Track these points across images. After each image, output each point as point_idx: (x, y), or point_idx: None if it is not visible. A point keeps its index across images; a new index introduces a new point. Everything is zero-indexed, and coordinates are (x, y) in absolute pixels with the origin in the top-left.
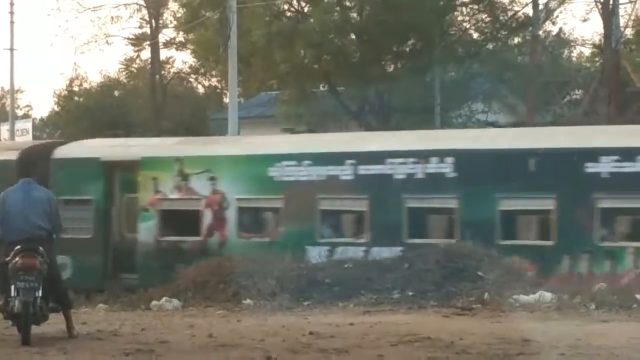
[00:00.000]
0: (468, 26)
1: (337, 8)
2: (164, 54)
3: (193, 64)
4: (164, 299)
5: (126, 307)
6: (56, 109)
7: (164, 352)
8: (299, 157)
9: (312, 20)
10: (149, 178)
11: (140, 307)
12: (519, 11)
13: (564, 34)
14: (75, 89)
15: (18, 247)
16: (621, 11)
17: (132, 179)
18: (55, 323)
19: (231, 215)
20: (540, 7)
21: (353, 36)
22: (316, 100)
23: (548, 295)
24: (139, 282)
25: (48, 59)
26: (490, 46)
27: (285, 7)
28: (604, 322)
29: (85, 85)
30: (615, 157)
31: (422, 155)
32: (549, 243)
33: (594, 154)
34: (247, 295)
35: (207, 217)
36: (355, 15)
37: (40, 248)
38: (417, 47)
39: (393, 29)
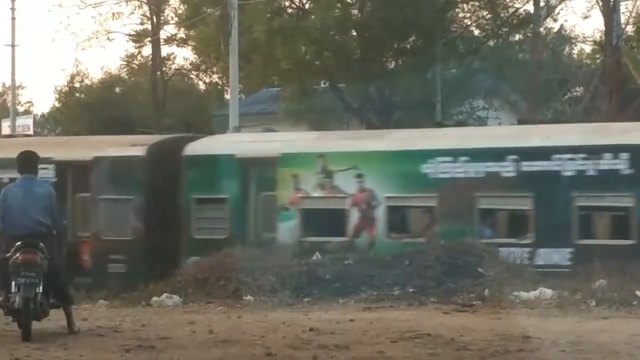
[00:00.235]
0: (469, 23)
1: (338, 4)
2: (165, 50)
3: (194, 61)
4: (164, 295)
5: (127, 304)
6: (57, 105)
7: (165, 348)
8: (455, 153)
9: (313, 16)
10: (288, 175)
11: (141, 303)
12: (520, 8)
13: (565, 31)
14: (77, 85)
15: (19, 243)
16: (622, 8)
17: (270, 177)
18: (55, 319)
19: (380, 214)
20: (542, 4)
21: (354, 33)
22: (317, 97)
23: (548, 292)
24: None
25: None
26: (491, 43)
27: (287, 3)
28: (604, 319)
29: (87, 81)
30: None
31: (594, 151)
32: None
33: None
34: (248, 291)
35: (354, 217)
36: (356, 11)
37: (41, 244)
38: (418, 43)
39: (394, 25)
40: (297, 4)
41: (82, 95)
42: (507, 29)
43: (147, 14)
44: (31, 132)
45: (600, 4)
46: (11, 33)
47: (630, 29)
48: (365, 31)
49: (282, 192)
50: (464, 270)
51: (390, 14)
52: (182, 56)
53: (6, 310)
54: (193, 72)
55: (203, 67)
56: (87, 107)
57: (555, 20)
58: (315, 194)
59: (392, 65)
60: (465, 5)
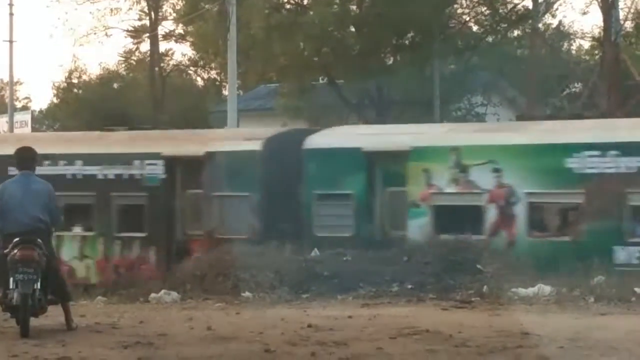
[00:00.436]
0: (467, 19)
1: (337, 0)
2: (163, 46)
3: (192, 57)
4: (162, 291)
5: (125, 300)
6: (55, 101)
7: (163, 344)
8: (604, 147)
9: (311, 12)
10: (419, 170)
11: (139, 299)
12: (518, 4)
13: (564, 26)
14: (75, 81)
15: (17, 239)
16: (621, 4)
17: (398, 171)
18: (54, 315)
19: (520, 211)
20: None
21: (352, 29)
22: (315, 93)
23: (547, 289)
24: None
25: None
26: (489, 39)
27: None
28: (602, 315)
29: (85, 77)
30: None
31: None
32: None
33: None
34: (246, 287)
35: (491, 214)
36: (354, 7)
37: (39, 240)
38: (417, 39)
39: (392, 21)
40: (295, 0)
41: (80, 91)
42: (505, 25)
43: (145, 9)
44: (29, 128)
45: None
46: (9, 29)
47: (629, 25)
48: (364, 27)
49: (412, 187)
50: (463, 267)
51: (389, 10)
52: (180, 52)
53: (4, 307)
54: (191, 68)
55: (201, 63)
56: (85, 103)
57: (553, 16)
58: (448, 190)
59: (390, 61)
60: (463, 1)
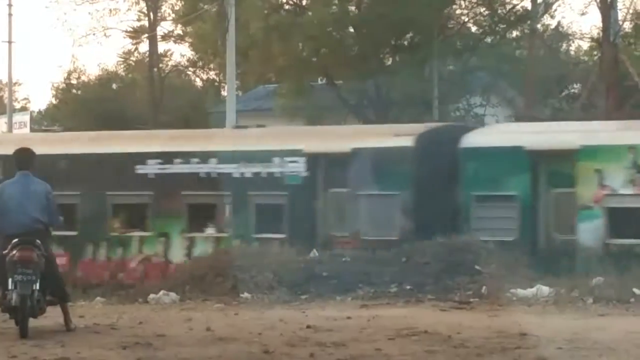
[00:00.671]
0: (466, 20)
1: (336, 1)
2: (162, 46)
3: (191, 57)
4: (161, 292)
5: (124, 301)
6: (54, 101)
7: (162, 345)
8: None
9: (310, 13)
10: (590, 170)
11: (138, 300)
12: (517, 5)
13: (562, 27)
14: (74, 81)
15: (16, 240)
16: (619, 4)
17: (565, 171)
18: (52, 316)
19: None
20: (539, 0)
21: (351, 29)
22: (314, 94)
23: (546, 289)
24: None
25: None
26: (488, 40)
27: (284, 0)
28: (601, 316)
29: (84, 78)
30: None
31: None
32: None
33: None
34: (245, 288)
35: None
36: (353, 8)
37: (38, 241)
38: (416, 40)
39: (391, 22)
40: (294, 0)
41: (79, 92)
42: (504, 26)
43: (144, 10)
44: (28, 129)
45: (598, 0)
46: (8, 29)
47: (627, 26)
48: (363, 28)
49: (582, 188)
50: (461, 268)
51: (388, 10)
52: (179, 53)
53: (3, 308)
54: (190, 68)
55: (200, 63)
56: (84, 104)
57: (552, 16)
58: (624, 191)
59: (389, 61)
60: (462, 2)
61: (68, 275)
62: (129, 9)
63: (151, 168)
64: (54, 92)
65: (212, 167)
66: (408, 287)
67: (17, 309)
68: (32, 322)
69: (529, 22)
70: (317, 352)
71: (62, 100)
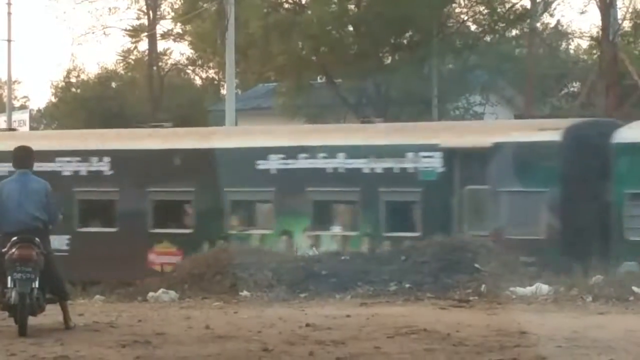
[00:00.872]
0: (466, 18)
1: (335, 0)
2: (161, 45)
3: (190, 56)
4: (160, 290)
5: (123, 299)
6: (53, 100)
7: (161, 343)
8: None
9: (309, 11)
10: None
11: (137, 298)
12: (516, 3)
13: (562, 26)
14: (73, 80)
15: (15, 238)
16: (619, 3)
17: None
18: (52, 314)
19: None
20: None
21: (351, 28)
22: (314, 92)
23: (545, 288)
24: None
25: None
26: (487, 38)
27: None
28: (600, 315)
29: (83, 76)
30: None
31: None
32: None
33: None
34: (244, 287)
35: None
36: (353, 7)
37: (37, 239)
38: (415, 39)
39: (391, 21)
40: None
41: (79, 91)
42: (503, 24)
43: (144, 8)
44: (27, 127)
45: None
46: (8, 28)
47: (627, 25)
48: (362, 26)
49: None
50: (461, 266)
51: (387, 9)
52: (179, 51)
53: (2, 306)
54: (189, 67)
55: (199, 62)
56: (84, 102)
57: (551, 15)
58: None
59: (388, 60)
60: (461, 1)
61: None
62: (128, 8)
63: (273, 163)
64: (54, 91)
65: (340, 162)
66: (407, 285)
67: (16, 307)
68: (31, 320)
69: (528, 20)
70: (316, 351)
71: (62, 98)
